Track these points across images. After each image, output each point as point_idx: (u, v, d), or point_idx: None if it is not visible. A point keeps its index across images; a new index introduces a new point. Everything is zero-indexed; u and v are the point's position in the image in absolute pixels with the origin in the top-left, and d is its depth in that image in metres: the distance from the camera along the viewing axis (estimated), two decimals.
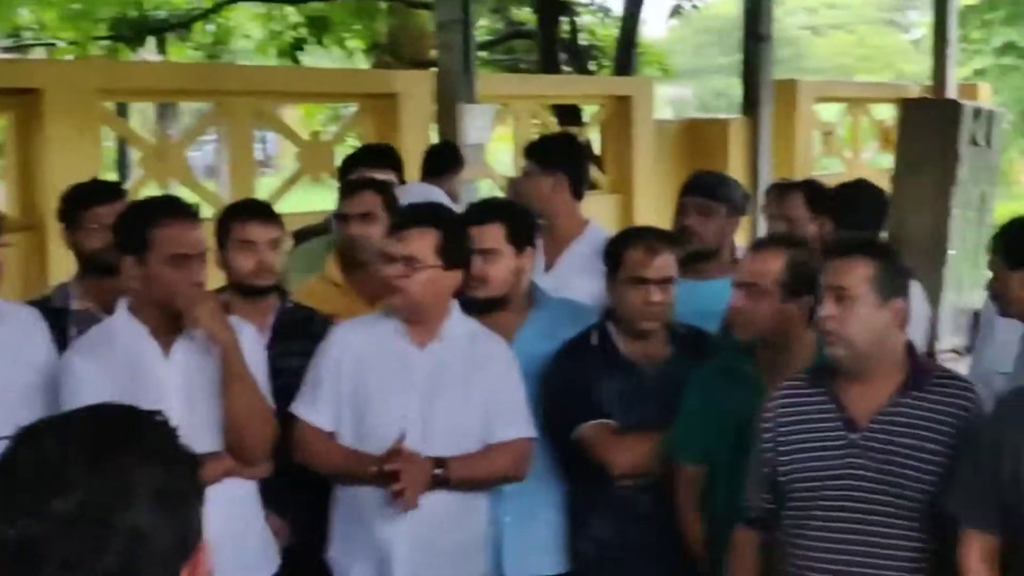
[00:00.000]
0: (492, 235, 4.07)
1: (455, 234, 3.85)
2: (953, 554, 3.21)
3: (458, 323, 3.89)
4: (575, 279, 4.60)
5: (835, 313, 3.25)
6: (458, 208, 5.95)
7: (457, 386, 3.82)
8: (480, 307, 4.08)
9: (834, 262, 3.32)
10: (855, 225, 4.62)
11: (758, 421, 3.44)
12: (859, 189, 5.11)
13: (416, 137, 9.23)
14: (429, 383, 3.81)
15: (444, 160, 7.42)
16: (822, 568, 3.30)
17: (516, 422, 3.87)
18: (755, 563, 3.54)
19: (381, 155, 6.07)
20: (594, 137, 12.60)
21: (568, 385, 4.01)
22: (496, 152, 14.04)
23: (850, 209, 4.76)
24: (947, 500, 3.22)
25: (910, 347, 3.37)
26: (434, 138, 9.16)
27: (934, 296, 10.92)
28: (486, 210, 4.24)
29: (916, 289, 5.11)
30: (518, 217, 4.22)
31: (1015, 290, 3.97)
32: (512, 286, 4.13)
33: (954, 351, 11.18)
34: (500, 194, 9.12)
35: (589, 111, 12.81)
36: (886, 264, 3.30)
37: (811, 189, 5.34)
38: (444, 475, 3.71)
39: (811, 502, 3.32)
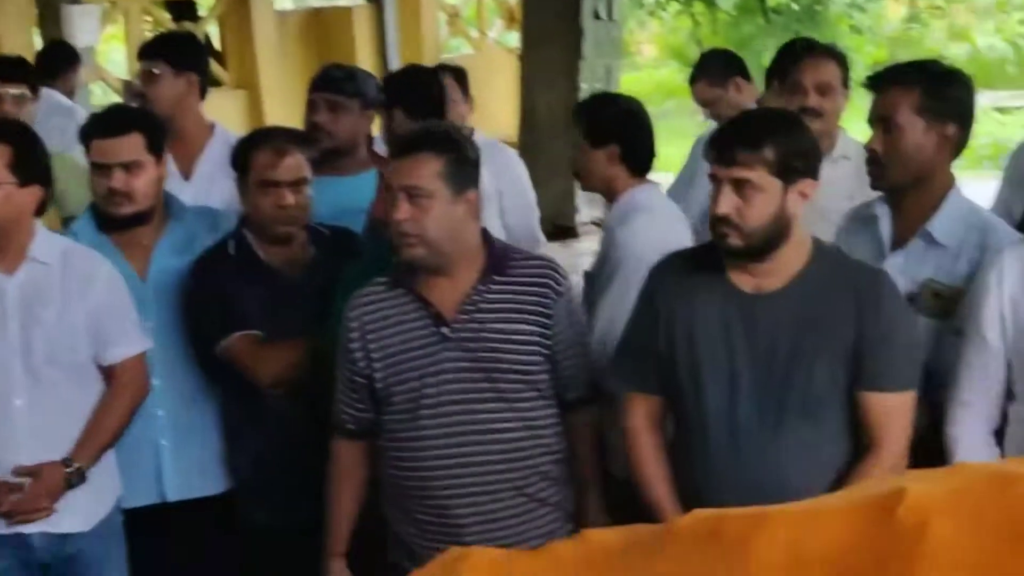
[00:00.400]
0: (133, 146, 3.86)
1: (29, 148, 3.60)
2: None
3: (47, 243, 3.66)
4: (214, 186, 4.45)
5: (409, 215, 3.21)
6: (82, 111, 5.60)
7: (55, 309, 3.61)
8: (119, 224, 3.91)
9: (402, 161, 3.26)
10: (412, 115, 4.51)
11: (342, 331, 3.41)
12: (408, 76, 4.89)
13: (19, 45, 8.63)
14: (24, 310, 3.58)
15: (56, 60, 7.08)
16: (437, 464, 3.31)
17: (126, 339, 3.73)
18: (358, 473, 3.52)
19: (12, 68, 5.63)
20: (212, 32, 12.19)
21: (208, 297, 3.87)
22: (108, 53, 13.41)
23: (405, 98, 4.62)
24: (611, 365, 3.39)
25: (486, 234, 3.39)
26: (40, 46, 8.63)
27: (569, 170, 11.11)
28: (122, 120, 3.99)
29: (513, 157, 5.15)
30: (154, 124, 4.01)
31: (598, 169, 4.02)
32: (155, 198, 3.93)
33: (593, 223, 11.46)
34: (116, 98, 8.69)
35: (205, 5, 12.36)
36: (455, 156, 3.26)
37: (386, 80, 5.12)
38: (77, 470, 3.61)
39: (415, 403, 3.32)
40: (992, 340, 3.17)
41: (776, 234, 3.04)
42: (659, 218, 3.95)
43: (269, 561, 3.93)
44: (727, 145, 3.04)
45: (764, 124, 3.07)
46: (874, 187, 3.56)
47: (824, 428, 3.08)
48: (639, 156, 4.03)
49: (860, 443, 3.11)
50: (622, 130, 4.00)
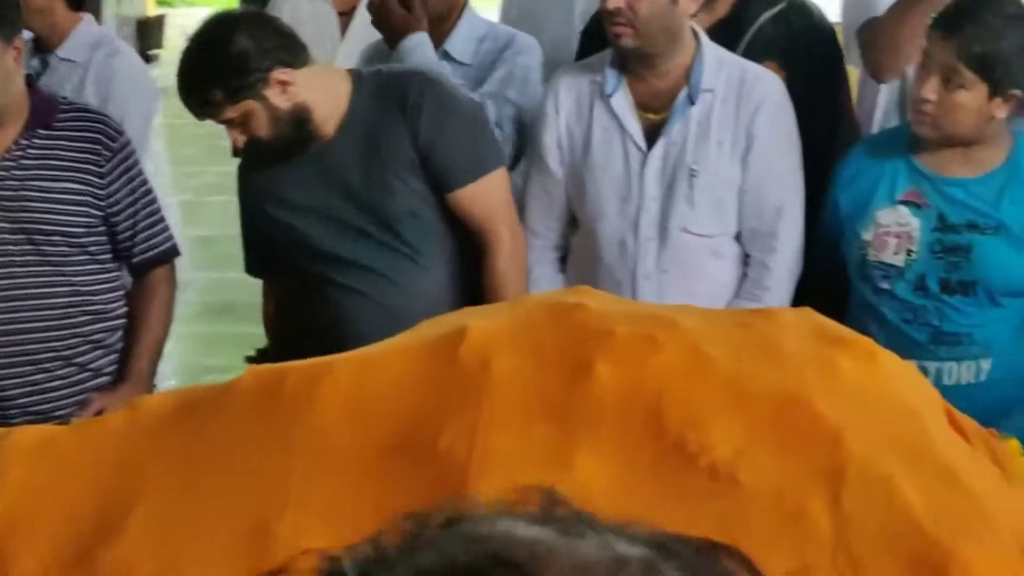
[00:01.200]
0: None
1: None
2: None
3: None
4: None
5: None
6: None
7: None
8: None
9: None
10: None
11: None
12: None
13: None
14: None
15: None
16: None
17: None
18: None
19: None
20: None
21: None
22: None
23: None
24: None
25: (31, 83, 3.18)
26: None
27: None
28: None
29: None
30: None
31: (34, 1, 3.89)
32: None
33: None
34: None
35: None
36: None
37: None
38: None
39: None
40: (553, 168, 3.23)
41: (297, 124, 3.01)
42: (128, 52, 4.11)
43: None
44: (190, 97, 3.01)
45: (202, 67, 2.97)
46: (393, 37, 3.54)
47: (437, 241, 3.10)
48: None
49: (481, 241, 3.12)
50: None
